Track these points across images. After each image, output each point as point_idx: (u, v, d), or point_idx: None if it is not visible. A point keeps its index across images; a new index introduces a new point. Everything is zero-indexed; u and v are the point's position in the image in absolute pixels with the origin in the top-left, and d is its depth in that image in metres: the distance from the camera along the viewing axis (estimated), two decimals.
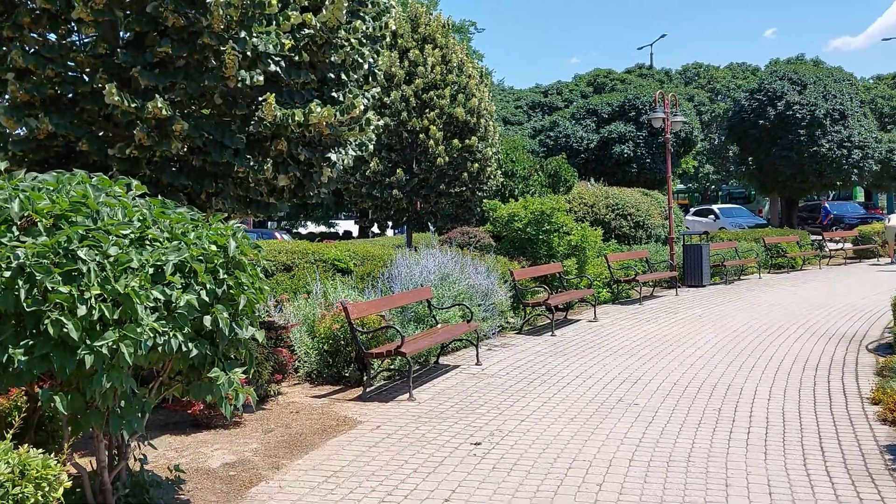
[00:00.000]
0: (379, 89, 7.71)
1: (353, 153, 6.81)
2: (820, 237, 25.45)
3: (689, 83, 45.09)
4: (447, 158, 15.81)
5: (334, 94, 6.46)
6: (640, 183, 25.12)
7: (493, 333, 11.17)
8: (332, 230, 35.40)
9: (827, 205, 38.31)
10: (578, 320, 13.03)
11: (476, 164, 16.18)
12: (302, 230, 38.60)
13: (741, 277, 19.62)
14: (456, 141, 15.90)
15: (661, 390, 8.03)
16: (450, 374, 8.79)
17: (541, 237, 14.23)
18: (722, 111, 43.13)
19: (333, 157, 6.60)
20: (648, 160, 25.88)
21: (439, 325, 9.20)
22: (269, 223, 42.34)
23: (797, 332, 11.58)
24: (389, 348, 7.41)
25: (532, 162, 20.25)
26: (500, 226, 14.73)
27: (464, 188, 16.31)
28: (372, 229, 35.35)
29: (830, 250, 23.96)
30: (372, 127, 6.92)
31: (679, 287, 17.24)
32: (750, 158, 28.62)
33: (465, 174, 16.10)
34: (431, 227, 20.38)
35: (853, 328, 11.89)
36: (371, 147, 7.05)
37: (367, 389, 7.67)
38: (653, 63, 48.11)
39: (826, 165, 25.57)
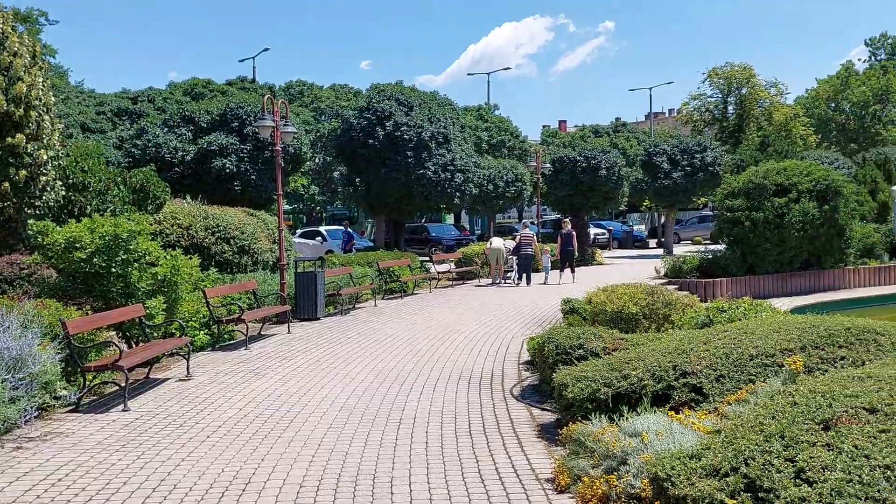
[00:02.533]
0: None
1: None
2: (428, 259, 25.21)
3: (293, 100, 43.57)
4: None
5: None
6: (244, 202, 22.36)
7: (27, 420, 7.48)
8: None
9: (428, 226, 39.52)
10: (166, 380, 9.84)
11: (24, 172, 11.97)
12: None
13: (356, 305, 17.96)
14: None
15: None
16: None
17: (115, 270, 10.72)
18: (327, 131, 42.36)
19: None
20: (254, 177, 23.21)
21: None
22: None
23: (433, 377, 9.84)
24: None
25: (112, 173, 16.32)
26: (57, 255, 10.85)
27: (6, 203, 11.98)
28: None
29: (438, 272, 23.67)
30: None
31: (292, 322, 14.84)
32: (358, 179, 27.63)
33: (7, 184, 11.80)
34: None
35: (487, 366, 10.54)
36: None
37: None
38: (256, 77, 45.79)
39: (432, 188, 25.42)
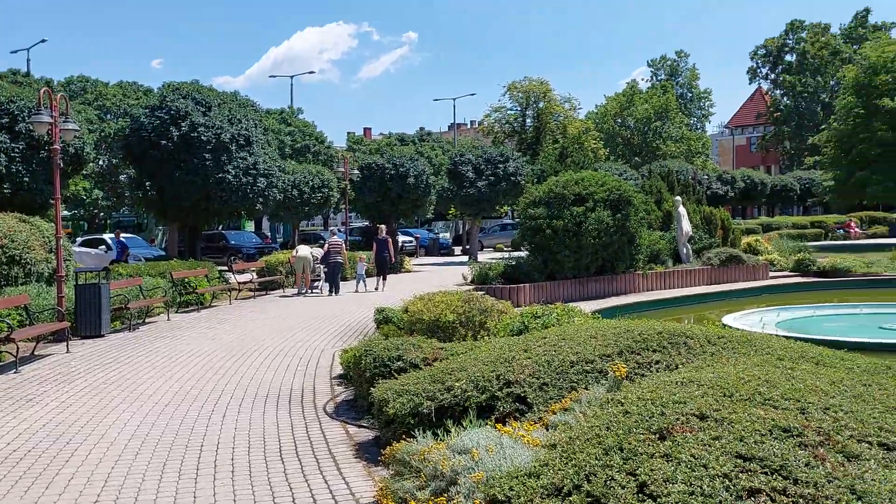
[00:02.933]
0: None
1: None
2: (227, 268, 23.88)
3: (75, 97, 39.94)
4: None
5: None
6: (15, 206, 19.90)
7: None
8: None
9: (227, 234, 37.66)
10: None
11: None
12: None
13: (147, 320, 16.49)
14: None
15: None
16: None
17: None
18: (113, 131, 39.29)
19: None
20: (27, 178, 20.76)
21: None
22: None
23: (237, 396, 9.05)
24: None
25: None
26: None
27: None
28: None
29: (238, 283, 22.44)
30: None
31: (72, 340, 13.29)
32: (149, 183, 25.66)
33: None
34: None
35: (297, 382, 9.89)
36: None
37: None
38: (30, 70, 41.57)
39: (232, 193, 24.12)
